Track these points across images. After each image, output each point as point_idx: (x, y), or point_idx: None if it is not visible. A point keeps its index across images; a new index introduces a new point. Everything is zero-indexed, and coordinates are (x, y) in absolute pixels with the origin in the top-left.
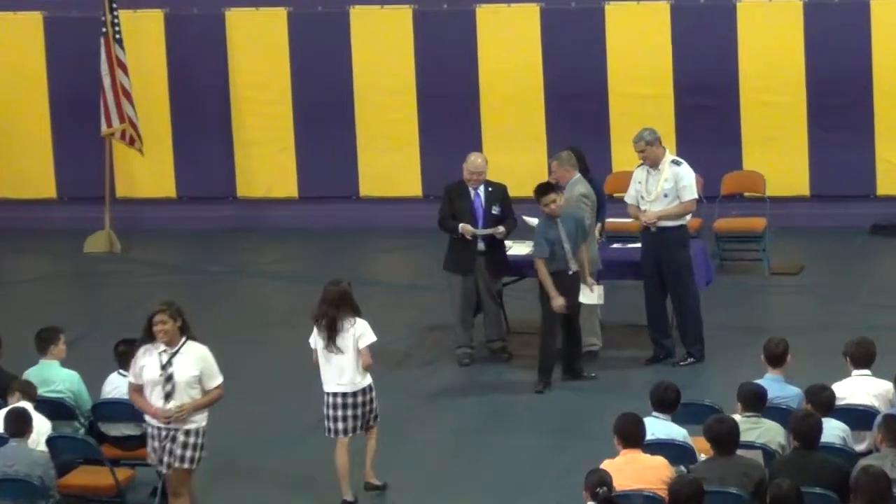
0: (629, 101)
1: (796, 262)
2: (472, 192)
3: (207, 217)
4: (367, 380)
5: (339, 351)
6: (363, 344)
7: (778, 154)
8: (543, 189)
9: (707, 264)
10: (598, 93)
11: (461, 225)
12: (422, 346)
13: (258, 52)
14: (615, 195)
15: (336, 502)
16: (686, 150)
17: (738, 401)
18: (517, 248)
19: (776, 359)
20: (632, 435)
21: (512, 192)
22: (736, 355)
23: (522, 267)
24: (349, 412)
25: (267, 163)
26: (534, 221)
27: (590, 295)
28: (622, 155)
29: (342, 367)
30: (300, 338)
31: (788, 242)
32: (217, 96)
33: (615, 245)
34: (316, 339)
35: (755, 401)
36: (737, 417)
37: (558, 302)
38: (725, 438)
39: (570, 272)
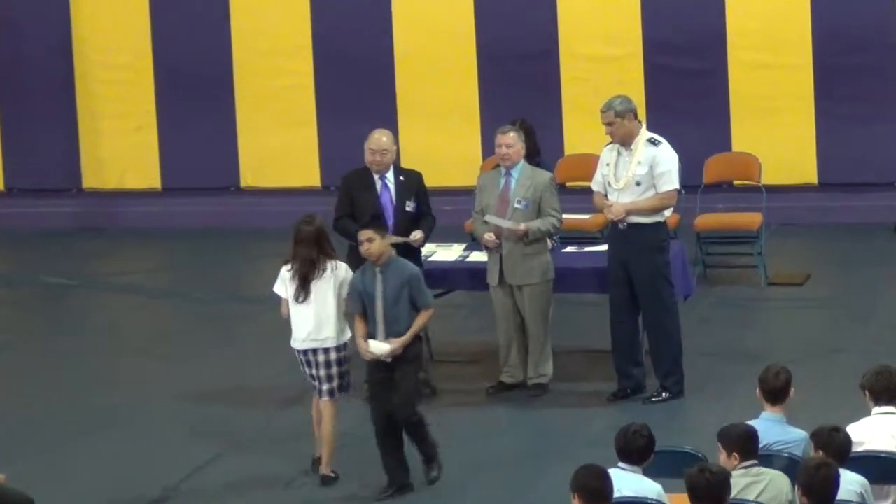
0: (585, 65)
1: (800, 270)
2: (380, 183)
3: (43, 214)
4: (347, 334)
5: (315, 299)
6: (346, 293)
7: (776, 131)
8: (364, 222)
9: (687, 272)
10: (546, 54)
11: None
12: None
13: (109, 2)
14: (567, 185)
15: None
16: (658, 126)
17: (726, 447)
18: (441, 254)
19: (776, 393)
20: (595, 492)
21: (439, 181)
22: (724, 389)
23: (448, 277)
24: (320, 371)
25: (120, 144)
26: (504, 223)
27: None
28: (576, 133)
29: (318, 320)
30: (162, 370)
31: (790, 244)
32: (56, 59)
33: (571, 248)
34: (286, 287)
35: (750, 445)
36: (732, 469)
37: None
38: (714, 493)
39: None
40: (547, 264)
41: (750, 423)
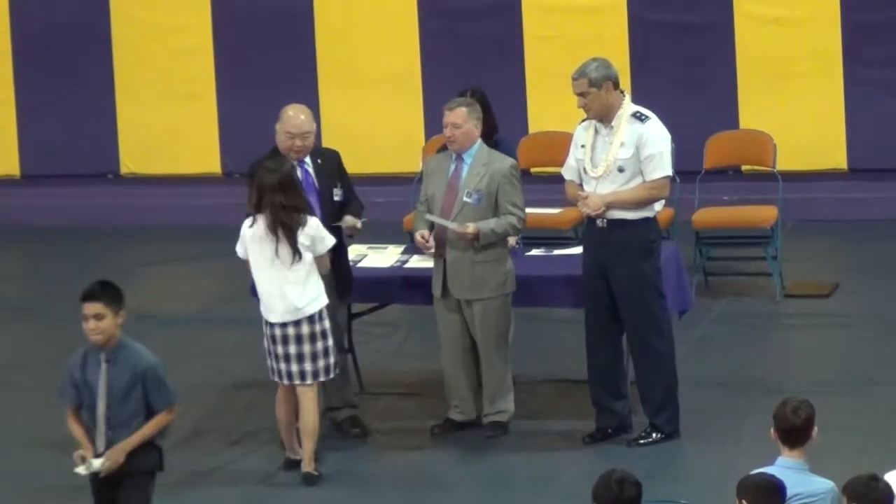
0: (554, 19)
1: (825, 278)
2: (299, 170)
3: None
4: (320, 302)
5: (284, 260)
6: (324, 249)
7: (795, 104)
8: (88, 289)
9: (683, 282)
10: (504, 6)
11: None
12: (223, 414)
13: None
14: (532, 171)
15: None
16: (646, 98)
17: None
18: (373, 258)
19: (795, 433)
20: None
21: (370, 167)
22: (730, 428)
23: (381, 288)
24: (290, 349)
25: None
26: (448, 224)
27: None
28: (543, 106)
29: (281, 285)
30: (14, 409)
31: (813, 246)
32: None
33: (536, 252)
34: (248, 246)
35: (773, 499)
36: None
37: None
38: None
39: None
40: (505, 274)
41: (763, 470)
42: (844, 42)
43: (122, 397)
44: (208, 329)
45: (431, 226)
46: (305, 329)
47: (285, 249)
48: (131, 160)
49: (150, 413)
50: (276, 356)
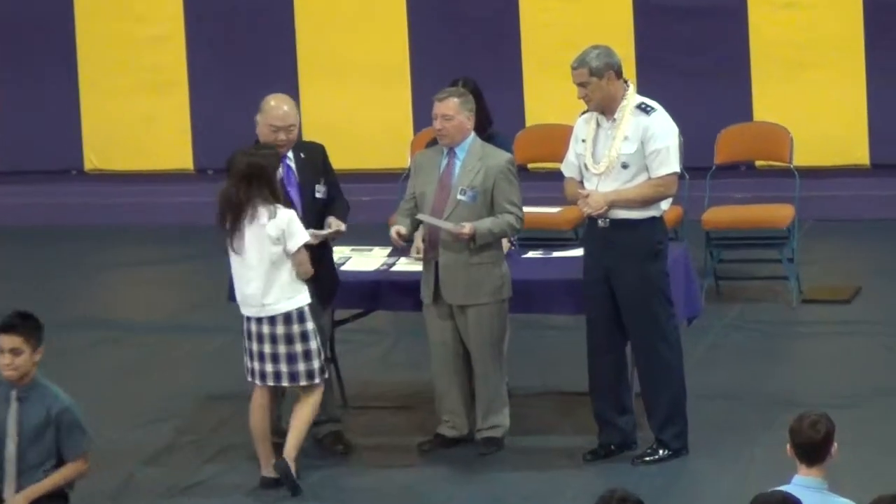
0: (553, 4)
1: (846, 282)
2: (280, 166)
3: None
4: (295, 301)
5: (245, 252)
6: (294, 246)
7: (813, 94)
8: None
9: (692, 286)
10: None
11: None
12: (198, 428)
13: None
14: (529, 167)
15: None
16: (652, 88)
17: None
18: (358, 261)
19: (813, 450)
20: None
21: (354, 163)
22: (742, 444)
23: (366, 293)
24: (265, 348)
25: None
26: (442, 224)
27: None
28: (541, 97)
29: (248, 278)
30: None
31: (832, 247)
32: None
33: (534, 254)
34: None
35: None
36: None
37: None
38: None
39: None
40: (501, 278)
41: (780, 488)
42: (867, 27)
43: (33, 439)
44: (181, 337)
45: (417, 224)
46: (266, 329)
47: (239, 243)
48: (96, 155)
49: (61, 460)
50: (251, 353)
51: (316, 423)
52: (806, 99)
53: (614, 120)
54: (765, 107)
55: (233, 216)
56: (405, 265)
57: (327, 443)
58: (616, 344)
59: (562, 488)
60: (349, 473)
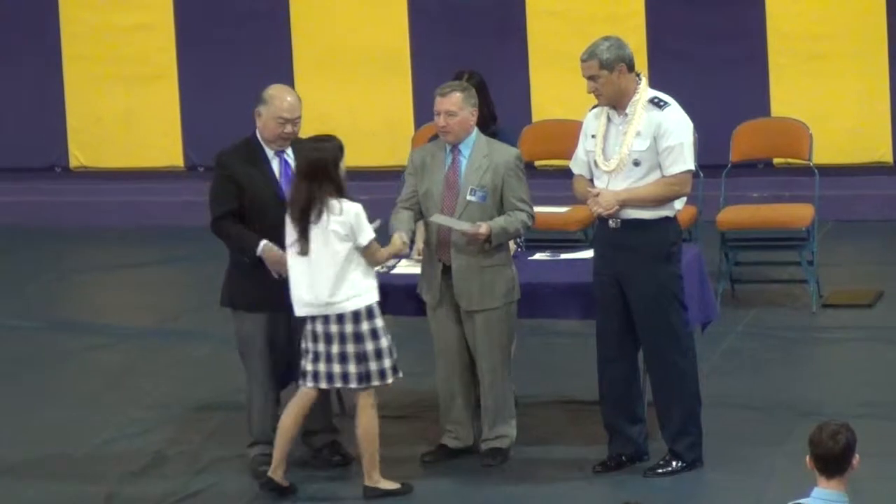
0: None
1: (868, 286)
2: (276, 161)
3: None
4: (364, 299)
5: (312, 253)
6: (365, 239)
7: (833, 88)
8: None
9: (707, 290)
10: None
11: (263, 245)
12: (188, 438)
13: None
14: (536, 164)
15: None
16: (665, 82)
17: None
18: None
19: (833, 461)
20: None
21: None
22: (759, 455)
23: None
24: (332, 348)
25: None
26: (459, 224)
27: None
28: (548, 91)
29: (315, 279)
30: None
31: (854, 249)
32: None
33: (541, 256)
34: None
35: None
36: None
37: None
38: None
39: None
40: (511, 280)
41: (798, 503)
42: (889, 18)
43: None
44: (170, 343)
45: (417, 224)
46: (349, 327)
47: (312, 241)
48: (81, 152)
49: None
50: (312, 355)
51: (313, 433)
52: (826, 93)
53: (626, 115)
54: (783, 101)
55: (300, 218)
56: (406, 268)
57: (325, 453)
58: (627, 350)
59: (570, 501)
60: (347, 485)
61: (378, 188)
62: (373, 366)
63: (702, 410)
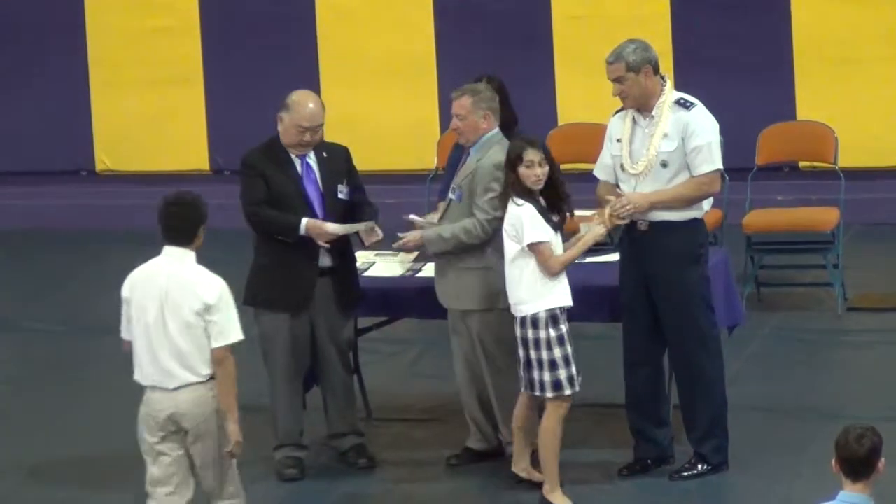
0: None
1: (893, 289)
2: (299, 163)
3: None
4: (538, 304)
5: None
6: (528, 240)
7: (860, 92)
8: None
9: (733, 293)
10: None
11: (306, 221)
12: None
13: None
14: (561, 168)
15: None
16: (690, 85)
17: None
18: (381, 267)
19: (858, 465)
20: None
21: (378, 164)
22: (785, 459)
23: (391, 301)
24: (521, 351)
25: None
26: (431, 221)
27: None
28: (573, 94)
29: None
30: None
31: (879, 252)
32: None
33: None
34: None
35: None
36: None
37: None
38: None
39: None
40: (490, 286)
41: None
42: None
43: None
44: None
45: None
46: (528, 333)
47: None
48: (108, 156)
49: None
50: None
51: (339, 436)
52: (852, 96)
53: (652, 117)
54: (809, 105)
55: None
56: (431, 271)
57: (351, 456)
58: (654, 353)
59: None
60: (373, 489)
61: (403, 192)
62: (547, 376)
63: (728, 414)
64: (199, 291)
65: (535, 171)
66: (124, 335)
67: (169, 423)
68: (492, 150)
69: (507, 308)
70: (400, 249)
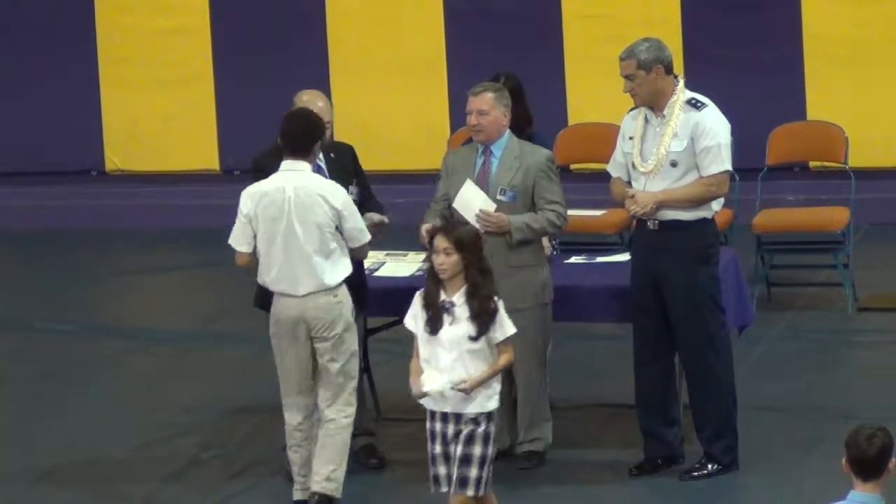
0: None
1: None
2: None
3: None
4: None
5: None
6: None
7: (869, 92)
8: None
9: (743, 293)
10: None
11: None
12: (221, 444)
13: None
14: (572, 168)
15: None
16: (701, 85)
17: None
18: (391, 267)
19: (868, 465)
20: None
21: (387, 164)
22: (795, 458)
23: (400, 300)
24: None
25: None
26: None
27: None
28: (584, 94)
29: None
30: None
31: (890, 252)
32: None
33: (577, 259)
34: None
35: None
36: None
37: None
38: None
39: None
40: (543, 281)
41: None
42: None
43: None
44: (206, 347)
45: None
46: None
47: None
48: (117, 155)
49: None
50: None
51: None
52: (862, 97)
53: (663, 116)
54: (819, 105)
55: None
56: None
57: (361, 456)
58: (664, 353)
59: None
60: (383, 489)
61: (413, 191)
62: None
63: (738, 413)
64: (328, 199)
65: (438, 259)
66: (242, 248)
67: (296, 326)
68: (523, 146)
69: (551, 302)
70: (484, 228)
